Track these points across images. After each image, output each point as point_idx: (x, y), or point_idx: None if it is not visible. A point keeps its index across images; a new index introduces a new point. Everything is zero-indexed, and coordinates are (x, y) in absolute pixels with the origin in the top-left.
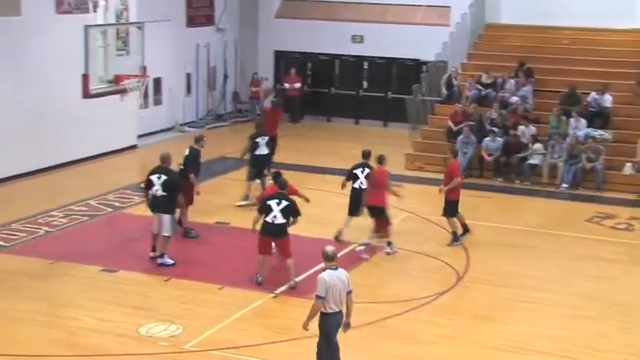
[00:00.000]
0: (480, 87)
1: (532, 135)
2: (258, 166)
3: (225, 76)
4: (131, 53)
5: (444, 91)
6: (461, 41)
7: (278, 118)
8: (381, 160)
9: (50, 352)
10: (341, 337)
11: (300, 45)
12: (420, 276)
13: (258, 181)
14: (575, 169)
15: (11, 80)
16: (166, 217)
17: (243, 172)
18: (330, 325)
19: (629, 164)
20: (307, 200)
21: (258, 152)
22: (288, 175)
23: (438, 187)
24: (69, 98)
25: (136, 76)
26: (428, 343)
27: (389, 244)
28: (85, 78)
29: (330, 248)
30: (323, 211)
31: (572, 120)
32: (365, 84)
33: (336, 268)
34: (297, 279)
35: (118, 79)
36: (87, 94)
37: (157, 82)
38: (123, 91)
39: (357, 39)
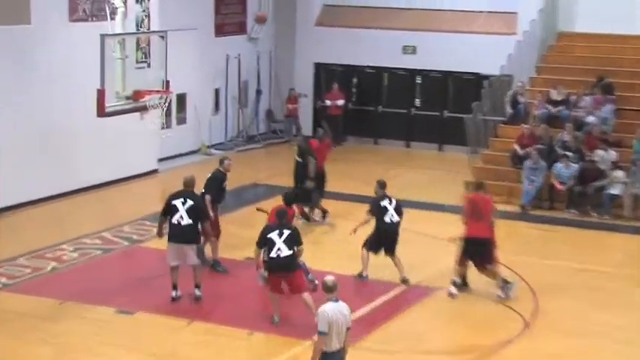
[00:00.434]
0: (549, 105)
1: (612, 161)
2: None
3: (258, 92)
4: (152, 66)
5: (509, 109)
6: (529, 52)
7: (326, 151)
8: (481, 186)
9: None
10: None
11: (343, 56)
12: (479, 322)
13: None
14: None
15: (18, 96)
16: (192, 248)
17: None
18: None
19: None
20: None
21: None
22: (327, 205)
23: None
24: (82, 117)
25: (157, 91)
26: None
27: (505, 283)
28: (101, 94)
29: (330, 278)
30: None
31: None
32: (417, 101)
33: (337, 301)
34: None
35: (137, 96)
36: (102, 112)
37: (181, 98)
38: (143, 109)
39: (409, 50)
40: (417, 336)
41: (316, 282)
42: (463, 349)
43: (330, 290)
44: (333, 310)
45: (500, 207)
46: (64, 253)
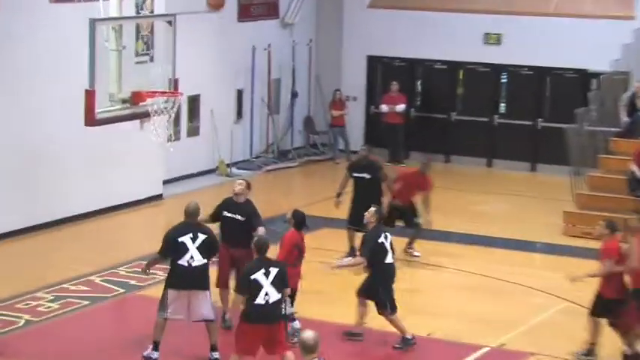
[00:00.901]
0: None
1: None
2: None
3: (294, 95)
4: (157, 60)
5: (625, 117)
6: None
7: (424, 186)
8: (615, 227)
9: None
10: None
11: (405, 48)
12: None
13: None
14: None
15: None
16: (206, 296)
17: (320, 236)
18: None
19: None
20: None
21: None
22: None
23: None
24: (65, 126)
25: (162, 93)
26: None
27: None
28: (89, 96)
29: (310, 335)
30: (431, 296)
31: None
32: (502, 106)
33: None
34: None
35: (136, 98)
36: (91, 120)
37: (194, 102)
38: (144, 116)
39: (493, 39)
40: None
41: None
42: None
43: (309, 350)
44: None
45: None
46: (40, 304)
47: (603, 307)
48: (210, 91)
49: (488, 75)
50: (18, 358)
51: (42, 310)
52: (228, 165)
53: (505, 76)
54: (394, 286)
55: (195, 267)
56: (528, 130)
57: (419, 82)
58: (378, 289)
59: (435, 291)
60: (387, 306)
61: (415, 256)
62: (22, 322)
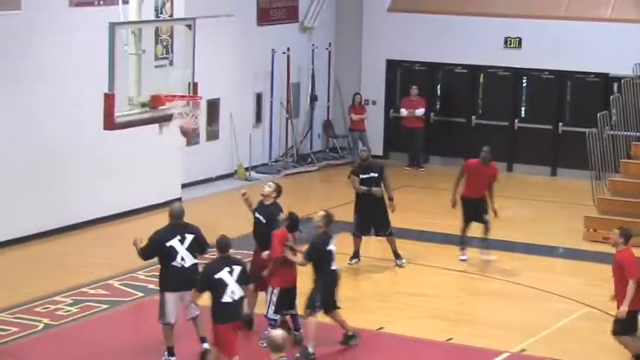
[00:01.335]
0: None
1: None
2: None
3: (314, 98)
4: (176, 64)
5: None
6: None
7: (490, 178)
8: (630, 235)
9: None
10: None
11: (424, 51)
12: None
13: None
14: None
15: (3, 105)
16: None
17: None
18: None
19: None
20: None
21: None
22: (404, 245)
23: None
24: (84, 129)
25: (182, 97)
26: None
27: None
28: (109, 100)
29: (278, 334)
30: (451, 301)
31: None
32: (523, 110)
33: None
34: None
35: (156, 102)
36: (111, 124)
37: (213, 106)
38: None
39: (513, 43)
40: None
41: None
42: None
43: (276, 349)
44: None
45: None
46: (60, 307)
47: (631, 321)
48: (229, 95)
49: (508, 79)
50: None
51: (61, 314)
52: (247, 169)
53: (525, 80)
54: (337, 289)
55: (188, 267)
56: (549, 134)
57: (439, 86)
58: (318, 292)
59: (455, 296)
60: (313, 306)
61: (490, 260)
62: (41, 325)
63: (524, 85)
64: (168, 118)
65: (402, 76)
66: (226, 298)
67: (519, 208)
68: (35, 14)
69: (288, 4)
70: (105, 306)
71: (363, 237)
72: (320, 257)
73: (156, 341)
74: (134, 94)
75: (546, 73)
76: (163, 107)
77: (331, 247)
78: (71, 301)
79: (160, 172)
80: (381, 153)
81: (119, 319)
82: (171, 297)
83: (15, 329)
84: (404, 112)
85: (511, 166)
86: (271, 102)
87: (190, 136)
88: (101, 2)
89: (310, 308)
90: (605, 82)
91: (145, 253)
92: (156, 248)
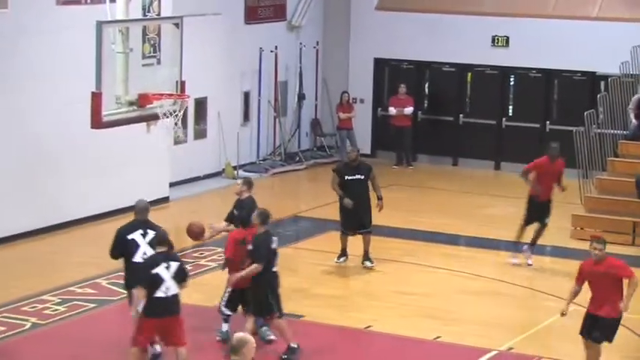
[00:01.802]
0: None
1: None
2: None
3: (301, 97)
4: (163, 63)
5: (633, 120)
6: None
7: (558, 175)
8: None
9: None
10: None
11: (412, 50)
12: None
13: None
14: None
15: None
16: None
17: (327, 239)
18: None
19: None
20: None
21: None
22: (392, 244)
23: None
24: (71, 128)
25: (170, 95)
26: None
27: None
28: (96, 98)
29: (236, 335)
30: (439, 299)
31: None
32: (511, 109)
33: None
34: None
35: (143, 101)
36: (98, 123)
37: (201, 104)
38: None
39: (500, 42)
40: None
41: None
42: None
43: (234, 351)
44: None
45: (622, 250)
46: (47, 307)
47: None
48: (217, 94)
49: (496, 77)
50: None
51: (48, 313)
52: (234, 168)
53: (513, 79)
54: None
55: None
56: (536, 132)
57: (426, 85)
58: (266, 295)
59: (443, 294)
60: (271, 310)
61: (530, 264)
62: (29, 325)
63: (511, 83)
64: (155, 117)
65: (390, 74)
66: (160, 294)
67: (507, 206)
68: (22, 13)
69: (275, 2)
70: (92, 305)
71: (350, 235)
72: (267, 257)
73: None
74: (121, 93)
75: (534, 71)
76: (151, 106)
77: (274, 245)
78: (59, 300)
79: (148, 171)
80: (369, 152)
81: (107, 318)
82: (134, 292)
83: (2, 328)
84: (392, 110)
85: (498, 164)
86: (259, 100)
87: (200, 237)
88: (88, 1)
89: (268, 313)
90: (592, 80)
91: (111, 251)
92: (118, 241)
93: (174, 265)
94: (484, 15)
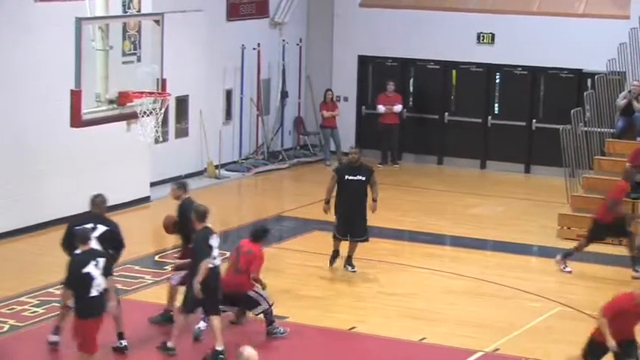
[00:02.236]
0: None
1: None
2: None
3: (284, 95)
4: (144, 60)
5: (620, 118)
6: None
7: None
8: None
9: None
10: None
11: (396, 47)
12: None
13: None
14: None
15: None
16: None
17: (311, 239)
18: None
19: None
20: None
21: None
22: (377, 244)
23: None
24: (50, 127)
25: (150, 93)
26: None
27: None
28: (75, 97)
29: (248, 352)
30: (424, 300)
31: None
32: (496, 107)
33: None
34: None
35: (123, 99)
36: (77, 122)
37: (182, 102)
38: (131, 117)
39: (486, 39)
40: None
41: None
42: None
43: None
44: None
45: (609, 250)
46: (26, 308)
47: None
48: (198, 92)
49: (481, 75)
50: None
51: (27, 315)
52: (216, 167)
53: (498, 76)
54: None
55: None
56: (522, 131)
57: (411, 83)
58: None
59: (428, 295)
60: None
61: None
62: (7, 327)
63: (497, 81)
64: (136, 116)
65: (374, 72)
66: (94, 292)
67: (493, 205)
68: (0, 8)
69: None
70: (73, 307)
71: (344, 240)
72: (206, 254)
73: (127, 339)
74: (101, 91)
75: (519, 69)
76: (131, 104)
77: (213, 242)
78: (37, 302)
79: (129, 170)
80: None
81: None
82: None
83: None
84: (381, 108)
85: (484, 163)
86: (241, 99)
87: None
88: None
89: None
90: (578, 78)
91: (61, 242)
92: (68, 234)
93: (101, 260)
94: (469, 11)
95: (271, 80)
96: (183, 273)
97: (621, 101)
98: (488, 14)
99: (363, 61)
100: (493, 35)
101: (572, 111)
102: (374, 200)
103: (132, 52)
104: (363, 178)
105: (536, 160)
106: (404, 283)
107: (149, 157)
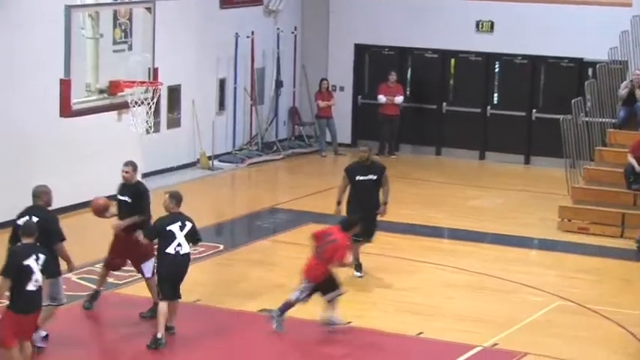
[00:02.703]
0: None
1: None
2: None
3: (279, 84)
4: (135, 49)
5: (622, 108)
6: None
7: None
8: None
9: None
10: None
11: (394, 36)
12: None
13: None
14: None
15: None
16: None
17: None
18: None
19: None
20: None
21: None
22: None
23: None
24: (39, 117)
25: (142, 83)
26: None
27: None
28: (65, 86)
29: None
30: (422, 294)
31: None
32: (496, 97)
33: None
34: None
35: (114, 88)
36: (67, 111)
37: (174, 92)
38: (122, 107)
39: (485, 27)
40: None
41: None
42: None
43: None
44: None
45: (611, 243)
46: None
47: None
48: (191, 81)
49: (480, 64)
50: None
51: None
52: (210, 158)
53: (498, 65)
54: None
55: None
56: (522, 121)
57: (409, 72)
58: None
59: (426, 289)
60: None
61: None
62: None
63: (496, 70)
64: (127, 105)
65: (371, 61)
66: (31, 287)
67: (492, 197)
68: None
69: None
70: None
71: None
72: (159, 237)
73: (113, 334)
74: (92, 80)
75: (519, 57)
76: (122, 94)
77: (174, 227)
78: None
79: (119, 161)
80: (349, 141)
81: (76, 313)
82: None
83: None
84: (382, 99)
85: (483, 154)
86: (235, 88)
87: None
88: None
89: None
90: (579, 67)
91: (11, 237)
92: (14, 226)
93: (42, 256)
94: None
95: (265, 69)
96: (151, 264)
97: (623, 91)
98: (487, 1)
99: (360, 49)
100: (492, 23)
101: (572, 101)
102: (384, 203)
103: (123, 40)
104: (375, 177)
105: (536, 151)
106: (401, 276)
107: (141, 148)
